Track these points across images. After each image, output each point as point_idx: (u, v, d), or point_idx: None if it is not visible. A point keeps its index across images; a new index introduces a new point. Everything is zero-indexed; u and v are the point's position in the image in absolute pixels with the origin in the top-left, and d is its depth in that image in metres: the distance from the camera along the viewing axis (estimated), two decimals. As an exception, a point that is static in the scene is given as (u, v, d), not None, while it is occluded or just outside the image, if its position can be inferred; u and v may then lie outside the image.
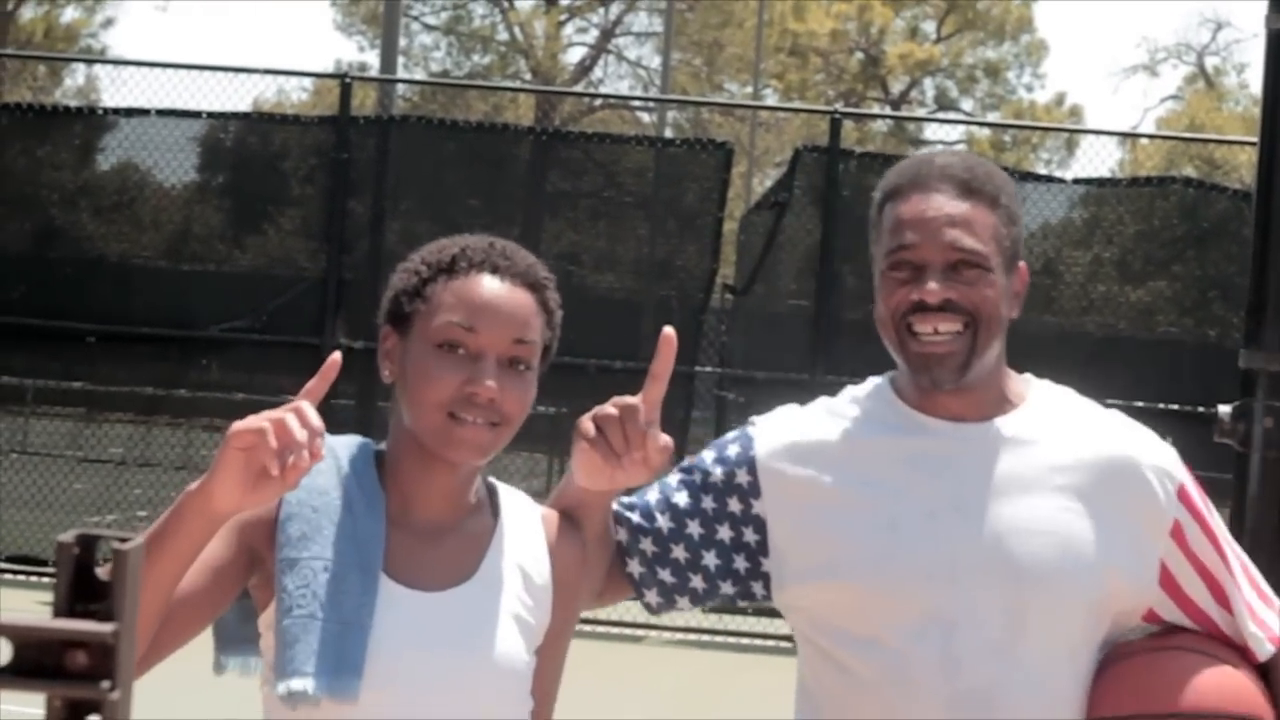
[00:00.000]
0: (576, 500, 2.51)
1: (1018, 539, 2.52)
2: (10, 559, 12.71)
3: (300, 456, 2.13)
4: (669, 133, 31.68)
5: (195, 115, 13.56)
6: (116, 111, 13.68)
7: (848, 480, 2.59)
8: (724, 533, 2.65)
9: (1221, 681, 2.51)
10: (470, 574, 2.41)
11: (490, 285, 2.40)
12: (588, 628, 10.76)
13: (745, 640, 11.55)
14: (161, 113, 13.38)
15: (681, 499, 2.66)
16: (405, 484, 2.42)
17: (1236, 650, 2.58)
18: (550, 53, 40.39)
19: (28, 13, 37.78)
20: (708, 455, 2.70)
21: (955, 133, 43.38)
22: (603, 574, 2.61)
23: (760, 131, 38.66)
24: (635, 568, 2.66)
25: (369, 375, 11.78)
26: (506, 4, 41.19)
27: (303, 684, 2.26)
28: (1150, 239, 13.44)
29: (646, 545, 2.65)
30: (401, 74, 27.50)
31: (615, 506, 2.65)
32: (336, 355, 2.27)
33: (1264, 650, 2.60)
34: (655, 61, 39.39)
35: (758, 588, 2.65)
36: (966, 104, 44.47)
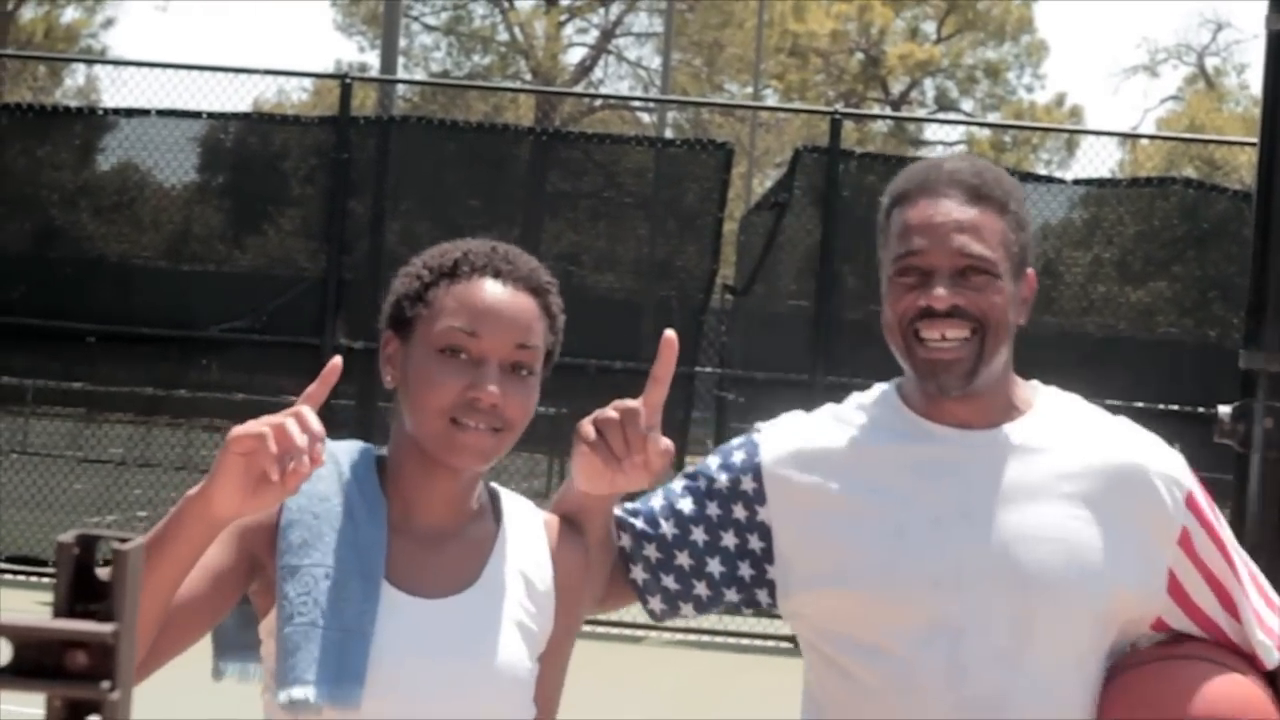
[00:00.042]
0: (577, 505, 2.49)
1: (1025, 546, 2.50)
2: (10, 559, 12.72)
3: (300, 462, 2.11)
4: (669, 133, 31.69)
5: (195, 115, 13.56)
6: (117, 112, 13.68)
7: (854, 487, 2.57)
8: (729, 539, 2.63)
9: (1230, 690, 2.50)
10: (472, 580, 2.39)
11: (493, 290, 2.38)
12: (588, 628, 10.73)
13: (745, 641, 11.55)
14: (162, 113, 13.38)
15: (686, 505, 2.64)
16: (407, 490, 2.41)
17: (1245, 658, 2.57)
18: (550, 53, 40.39)
19: (28, 13, 37.79)
20: (713, 461, 2.68)
21: (955, 133, 43.42)
22: (605, 580, 2.59)
23: (760, 132, 38.67)
24: (639, 574, 2.64)
25: (369, 376, 11.78)
26: (507, 4, 41.20)
27: (304, 692, 2.25)
28: (1150, 239, 13.44)
29: (650, 551, 2.63)
30: (402, 74, 27.50)
31: (618, 512, 2.63)
32: (337, 360, 2.25)
33: (1272, 658, 2.58)
34: (655, 62, 39.42)
35: (762, 595, 2.63)
36: (967, 104, 44.49)
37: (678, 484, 2.68)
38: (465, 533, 2.42)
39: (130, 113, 13.44)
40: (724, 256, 13.88)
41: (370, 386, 11.95)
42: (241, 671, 2.51)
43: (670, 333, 2.39)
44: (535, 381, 2.39)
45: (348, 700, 2.26)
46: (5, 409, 14.90)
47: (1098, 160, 32.07)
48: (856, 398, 2.69)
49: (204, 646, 2.40)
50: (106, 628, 1.02)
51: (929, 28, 44.40)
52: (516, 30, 41.18)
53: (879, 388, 2.68)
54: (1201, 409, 11.18)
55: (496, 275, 2.39)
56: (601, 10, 41.61)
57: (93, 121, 14.52)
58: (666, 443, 2.36)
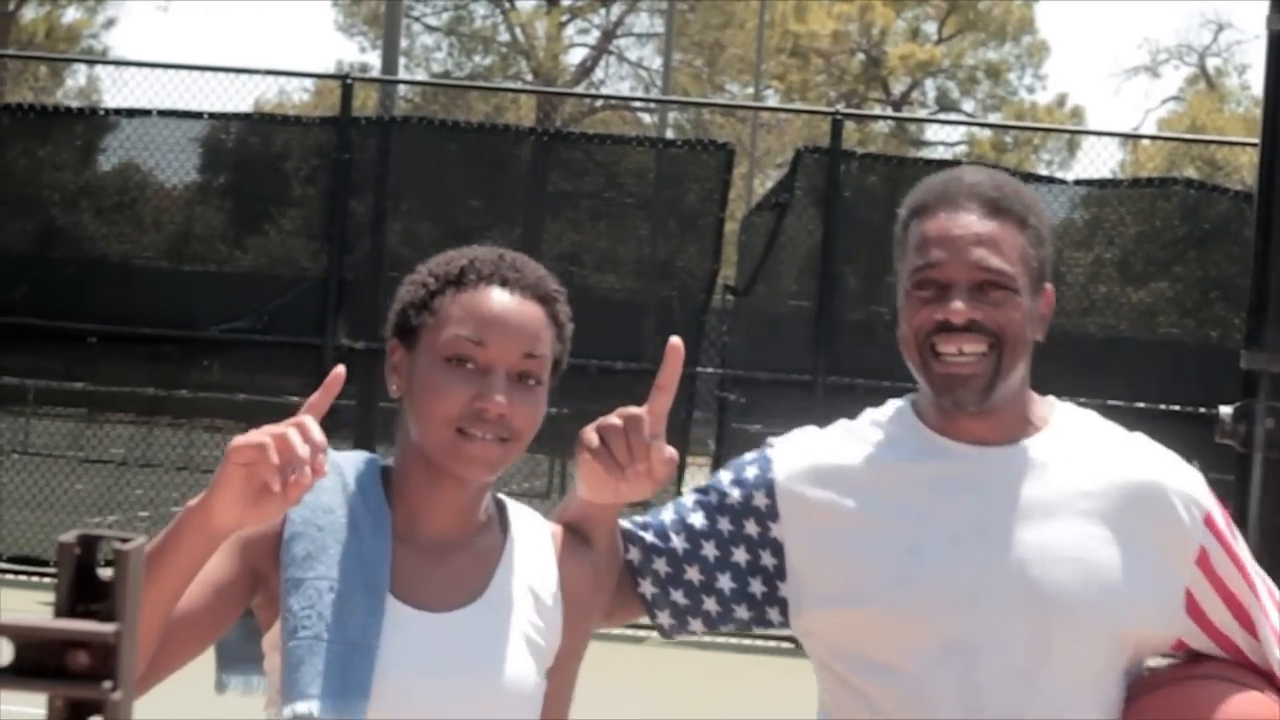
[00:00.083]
0: (582, 514, 2.45)
1: (1042, 565, 2.47)
2: (11, 559, 12.72)
3: (302, 473, 2.07)
4: (670, 134, 31.68)
5: (197, 116, 13.57)
6: (118, 112, 13.69)
7: (868, 504, 2.53)
8: (740, 555, 2.59)
9: (1248, 707, 2.47)
10: (479, 594, 2.35)
11: (499, 298, 2.34)
12: (589, 628, 10.73)
13: (746, 641, 11.55)
14: (163, 113, 13.38)
15: (697, 520, 2.60)
16: (413, 500, 2.37)
17: (1263, 676, 2.54)
18: (551, 54, 40.40)
19: (29, 13, 37.80)
20: (725, 476, 2.64)
21: (956, 134, 43.44)
22: (612, 593, 2.54)
23: (761, 132, 38.68)
24: (648, 588, 2.60)
25: (370, 376, 11.79)
26: (508, 5, 41.20)
27: (308, 707, 2.21)
28: (1151, 240, 13.44)
29: (660, 565, 2.60)
30: (403, 75, 27.51)
31: (628, 525, 2.60)
32: (340, 369, 2.21)
33: None
34: (656, 62, 39.41)
35: (774, 613, 2.59)
36: (968, 105, 44.49)
37: (689, 498, 2.64)
38: (472, 544, 2.38)
39: (131, 113, 13.45)
40: (725, 257, 13.90)
41: (371, 388, 11.95)
42: (245, 685, 2.47)
43: (676, 340, 2.35)
44: (543, 391, 2.36)
45: (352, 715, 2.23)
46: (7, 409, 14.90)
47: (1099, 161, 32.03)
48: (871, 413, 2.64)
49: (206, 659, 2.36)
50: (108, 628, 1.02)
51: (930, 28, 44.41)
52: (517, 31, 41.19)
53: (893, 404, 2.63)
54: (1203, 409, 11.17)
55: (504, 283, 2.35)
56: (602, 11, 41.63)
57: (94, 122, 14.53)
58: (670, 451, 2.32)
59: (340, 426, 11.79)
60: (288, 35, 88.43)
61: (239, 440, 2.08)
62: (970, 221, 2.50)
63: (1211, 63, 46.39)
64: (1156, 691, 2.51)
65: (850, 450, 2.59)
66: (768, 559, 2.58)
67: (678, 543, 2.59)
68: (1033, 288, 2.53)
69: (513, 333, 2.33)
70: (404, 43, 31.74)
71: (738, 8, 39.71)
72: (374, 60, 39.31)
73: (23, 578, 12.46)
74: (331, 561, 2.29)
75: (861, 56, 43.36)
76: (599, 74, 42.12)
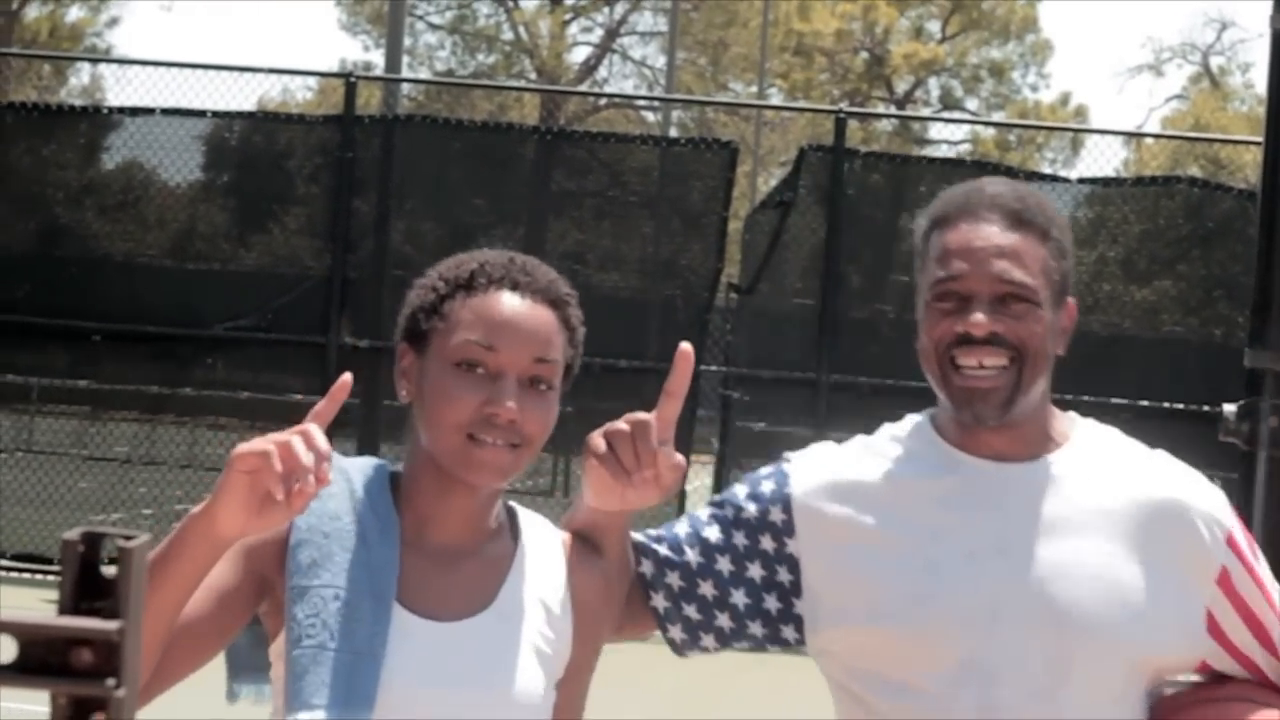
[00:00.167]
0: (590, 521, 2.41)
1: (1063, 583, 2.43)
2: (15, 557, 12.73)
3: (306, 482, 2.04)
4: (674, 132, 31.69)
5: (200, 114, 13.58)
6: (121, 110, 13.69)
7: (886, 520, 2.50)
8: (755, 571, 2.55)
9: None
10: (488, 603, 2.32)
11: (510, 302, 2.30)
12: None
13: (750, 639, 11.52)
14: (166, 112, 13.39)
15: (712, 533, 2.56)
16: (422, 507, 2.33)
17: None
18: (555, 52, 40.40)
19: (33, 12, 37.83)
20: (740, 490, 2.60)
21: (960, 132, 43.44)
22: (623, 604, 2.50)
23: (765, 131, 38.67)
24: (660, 602, 2.56)
25: (374, 375, 11.80)
26: (511, 3, 41.21)
27: (311, 717, 2.19)
28: (1155, 238, 13.44)
29: (673, 579, 2.56)
30: (406, 73, 27.49)
31: (641, 538, 2.56)
32: (347, 377, 2.19)
33: None
34: (660, 61, 39.42)
35: (788, 631, 2.55)
36: (971, 104, 44.48)
37: (704, 512, 2.61)
38: (482, 552, 2.34)
39: (135, 111, 13.46)
40: (729, 255, 13.91)
41: (375, 387, 11.96)
42: (257, 694, 2.43)
43: (686, 346, 2.30)
44: (554, 396, 2.32)
45: None
46: (11, 407, 14.92)
47: (1102, 159, 32.04)
48: (889, 428, 2.60)
49: (214, 665, 2.32)
50: (112, 625, 1.02)
51: (934, 27, 44.41)
52: (521, 29, 41.20)
53: (912, 418, 2.59)
54: (1207, 407, 11.17)
55: (514, 287, 2.32)
56: (606, 9, 41.63)
57: (98, 120, 14.53)
58: (678, 458, 2.28)
59: (344, 426, 11.79)
60: (291, 34, 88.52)
61: (242, 447, 2.06)
62: (992, 233, 2.46)
63: (1215, 61, 46.40)
64: (1178, 714, 2.48)
65: (868, 465, 2.55)
66: (783, 575, 2.54)
67: (692, 556, 2.56)
68: (1054, 301, 2.48)
69: (523, 337, 2.29)
70: (407, 41, 31.77)
71: (741, 6, 39.71)
72: (377, 59, 39.30)
73: (26, 575, 12.47)
74: (337, 569, 2.26)
75: (865, 55, 43.35)
76: (602, 72, 42.15)
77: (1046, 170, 35.79)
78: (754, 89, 38.29)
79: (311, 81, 40.98)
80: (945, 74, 44.28)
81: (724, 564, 2.56)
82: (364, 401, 12.18)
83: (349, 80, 13.31)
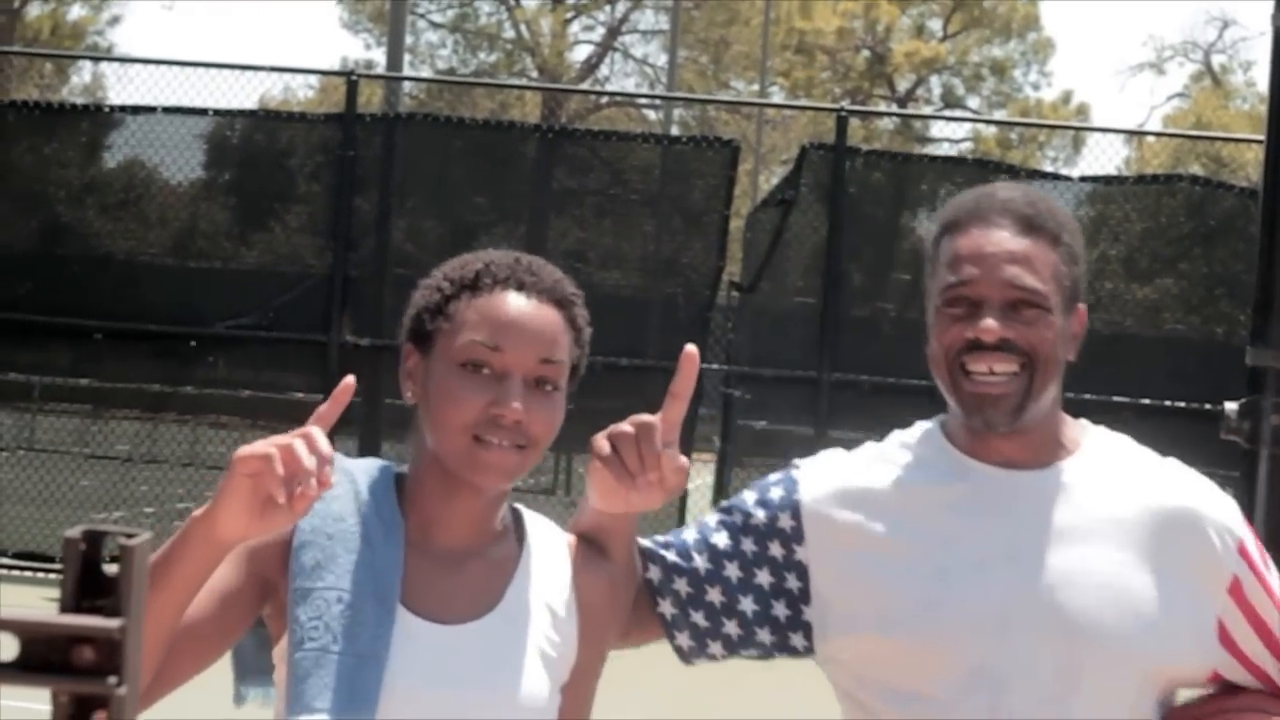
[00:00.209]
0: (595, 524, 2.39)
1: (1073, 591, 2.42)
2: (17, 555, 12.74)
3: (308, 485, 2.02)
4: (675, 130, 31.70)
5: (201, 113, 13.58)
6: (123, 109, 13.70)
7: (895, 527, 2.48)
8: (763, 577, 2.53)
9: None
10: (493, 605, 2.30)
11: (516, 303, 2.29)
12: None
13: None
14: (168, 110, 13.39)
15: (720, 540, 2.55)
16: (427, 508, 2.31)
17: None
18: (556, 50, 40.41)
19: (34, 10, 37.83)
20: (749, 496, 2.58)
21: (961, 130, 43.42)
22: (629, 609, 2.47)
23: (767, 129, 38.67)
24: (667, 608, 2.54)
25: (376, 373, 11.80)
26: (513, 1, 41.21)
27: None
28: (1157, 236, 13.44)
29: (681, 585, 2.54)
30: (408, 71, 27.50)
31: (649, 544, 2.54)
32: (350, 380, 2.19)
33: None
34: (661, 59, 39.42)
35: (797, 639, 2.53)
36: (973, 102, 44.48)
37: (712, 518, 2.59)
38: (487, 554, 2.32)
39: (136, 110, 13.46)
40: (730, 253, 13.91)
41: (377, 384, 11.96)
42: (264, 697, 2.40)
43: (691, 348, 2.29)
44: (560, 397, 2.30)
45: None
46: (12, 405, 14.93)
47: (1104, 157, 32.07)
48: (898, 435, 2.58)
49: (219, 666, 2.30)
50: (113, 623, 1.02)
51: (935, 25, 44.40)
52: (522, 27, 41.20)
53: (921, 425, 2.58)
54: (1208, 406, 11.17)
55: (520, 287, 2.30)
56: (607, 7, 41.64)
57: (99, 119, 14.53)
58: (683, 460, 2.27)
59: (346, 424, 11.76)
60: (292, 32, 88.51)
61: (244, 450, 2.04)
62: (1003, 238, 2.44)
63: (1217, 59, 46.40)
64: None
65: (877, 472, 2.53)
66: (792, 582, 2.53)
67: (700, 562, 2.54)
68: (1065, 307, 2.46)
69: (529, 338, 2.27)
70: (409, 39, 31.77)
71: (743, 5, 39.71)
72: (379, 57, 39.31)
73: (28, 574, 12.47)
74: (341, 571, 2.24)
75: (867, 53, 43.35)
76: (604, 71, 42.15)
77: (1048, 168, 35.78)
78: (755, 87, 38.29)
79: (313, 80, 41.02)
80: (947, 72, 44.28)
81: (732, 570, 2.54)
82: (366, 400, 12.17)
83: (350, 78, 13.31)
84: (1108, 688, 2.41)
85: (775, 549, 2.54)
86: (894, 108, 41.32)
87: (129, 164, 14.22)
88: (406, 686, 2.20)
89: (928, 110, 43.04)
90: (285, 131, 14.37)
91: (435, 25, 41.85)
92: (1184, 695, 2.56)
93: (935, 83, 44.57)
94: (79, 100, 33.03)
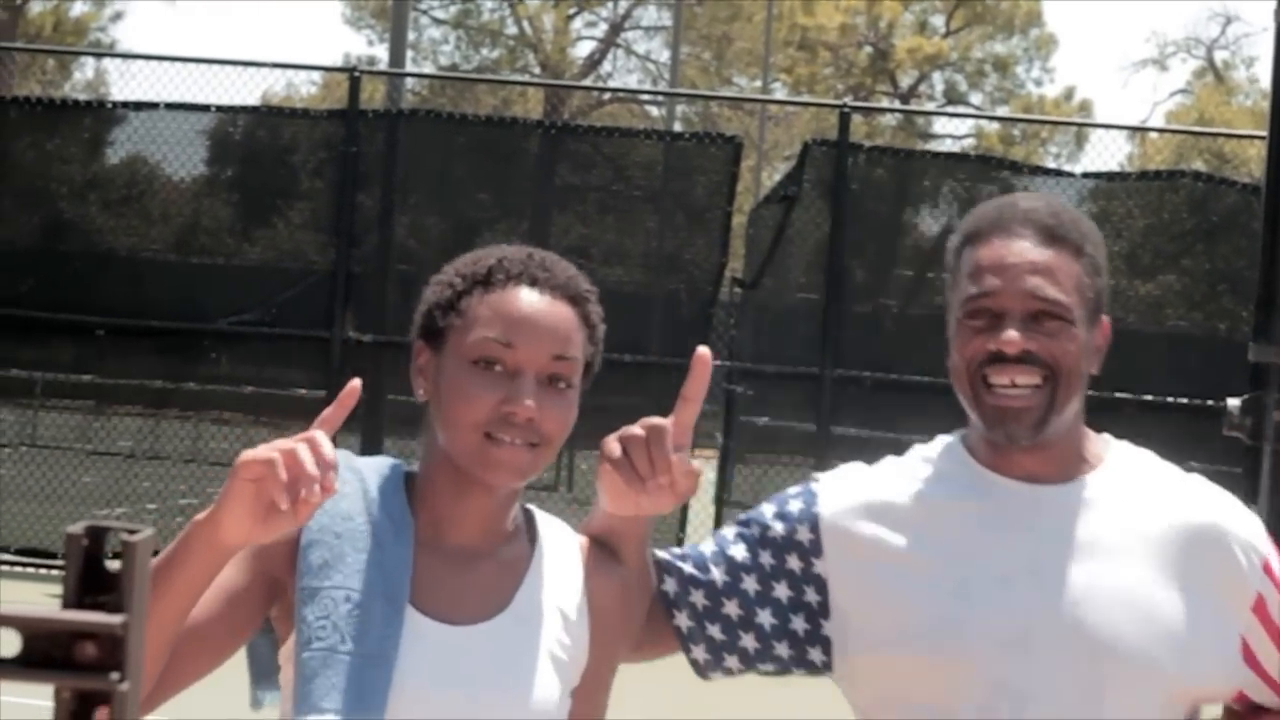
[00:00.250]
0: (607, 527, 2.36)
1: (1096, 608, 2.37)
2: (19, 551, 12.74)
3: (311, 490, 1.99)
4: (678, 127, 31.69)
5: (204, 109, 13.57)
6: (125, 105, 13.69)
7: (916, 542, 2.44)
8: (781, 590, 2.50)
9: None
10: (504, 606, 2.26)
11: (529, 299, 2.26)
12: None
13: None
14: (170, 106, 13.39)
15: (738, 552, 2.52)
16: (438, 507, 2.28)
17: None
18: (559, 46, 40.40)
19: (37, 6, 37.83)
20: (767, 509, 2.55)
21: (964, 127, 43.42)
22: (642, 615, 2.44)
23: (769, 125, 38.65)
24: (683, 621, 2.50)
25: (378, 370, 11.80)
26: (515, -2, 41.21)
27: None
28: (1159, 233, 13.43)
29: (698, 598, 2.50)
30: (410, 68, 27.51)
31: (665, 556, 2.52)
32: (356, 383, 2.15)
33: None
34: (664, 55, 39.42)
35: (815, 653, 2.49)
36: (975, 98, 44.46)
37: (730, 530, 2.56)
38: (498, 554, 2.29)
39: (139, 106, 13.46)
40: (733, 250, 13.90)
41: (380, 380, 11.95)
42: (281, 700, 2.39)
43: (704, 350, 2.27)
44: (574, 395, 2.27)
45: None
46: (14, 402, 14.93)
47: (1107, 154, 32.07)
48: (919, 449, 2.54)
49: (225, 667, 2.26)
50: (116, 619, 1.02)
51: (938, 21, 44.39)
52: (525, 24, 41.19)
53: (942, 439, 2.54)
54: (1210, 402, 11.17)
55: (533, 283, 2.27)
56: (610, 4, 41.63)
57: (102, 115, 14.53)
58: (694, 464, 2.24)
59: (348, 420, 11.74)
60: (295, 28, 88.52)
61: (247, 455, 2.01)
62: (1025, 249, 2.40)
63: (1219, 56, 46.37)
64: None
65: (897, 486, 2.49)
66: (811, 595, 2.49)
67: (717, 575, 2.50)
68: (1089, 319, 2.42)
69: (542, 334, 2.24)
70: (411, 36, 31.76)
71: (745, 1, 39.70)
72: (381, 53, 39.34)
73: (30, 570, 12.47)
74: (349, 570, 2.20)
75: (869, 50, 43.33)
76: (606, 67, 42.16)
77: (1051, 165, 35.78)
78: (758, 84, 38.29)
79: (316, 76, 40.96)
80: (949, 68, 44.27)
81: (750, 583, 2.51)
82: (369, 395, 12.18)
83: (353, 75, 13.31)
84: (1131, 706, 2.37)
85: (793, 562, 2.50)
86: (896, 104, 41.32)
87: (131, 160, 14.22)
88: (415, 687, 2.18)
89: (930, 106, 43.04)
90: (288, 128, 14.37)
91: (438, 21, 41.86)
92: (1208, 713, 2.53)
93: (938, 79, 44.58)
94: (81, 96, 33.05)
